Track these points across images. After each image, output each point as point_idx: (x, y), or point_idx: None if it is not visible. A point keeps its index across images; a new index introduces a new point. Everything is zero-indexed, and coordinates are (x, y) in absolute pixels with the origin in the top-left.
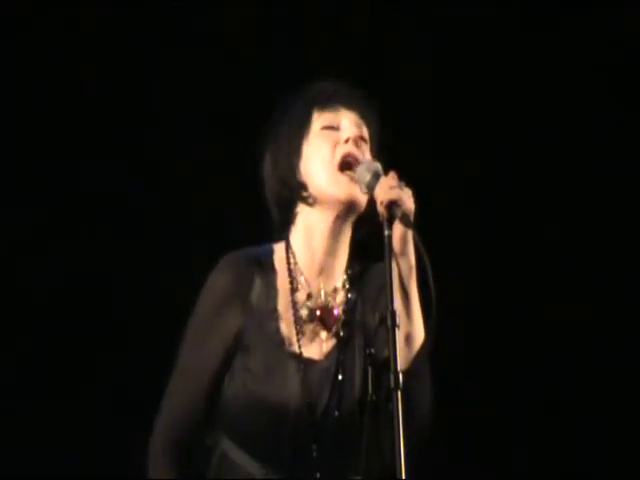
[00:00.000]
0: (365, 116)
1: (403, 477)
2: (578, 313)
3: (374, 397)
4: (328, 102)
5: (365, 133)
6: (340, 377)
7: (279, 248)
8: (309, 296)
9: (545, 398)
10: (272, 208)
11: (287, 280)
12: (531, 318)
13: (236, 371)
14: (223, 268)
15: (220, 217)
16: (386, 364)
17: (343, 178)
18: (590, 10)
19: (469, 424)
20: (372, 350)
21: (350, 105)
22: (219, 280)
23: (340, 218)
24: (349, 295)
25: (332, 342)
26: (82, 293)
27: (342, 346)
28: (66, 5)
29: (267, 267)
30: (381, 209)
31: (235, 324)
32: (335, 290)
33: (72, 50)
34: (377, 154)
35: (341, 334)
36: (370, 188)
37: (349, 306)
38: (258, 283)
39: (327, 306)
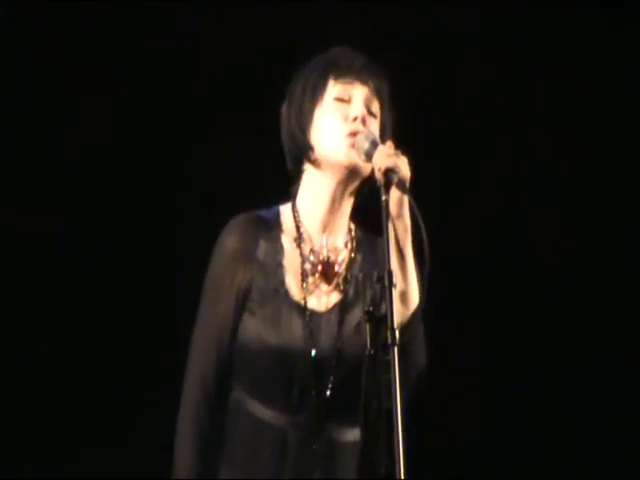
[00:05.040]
0: (378, 90)
1: (402, 478)
2: None
3: (372, 351)
4: (344, 72)
5: (375, 107)
6: (343, 327)
7: (285, 208)
8: (312, 251)
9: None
10: (286, 157)
11: (292, 236)
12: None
13: (245, 322)
14: (230, 230)
15: None
16: (383, 320)
17: (345, 146)
18: None
19: None
20: (370, 307)
21: (364, 78)
22: (227, 241)
23: (342, 182)
24: (354, 256)
25: (335, 296)
26: None
27: (344, 300)
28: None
29: (273, 225)
30: (378, 175)
31: (244, 279)
32: (336, 248)
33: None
34: (388, 125)
35: (342, 288)
36: (368, 156)
37: (352, 265)
38: (263, 241)
39: (328, 261)
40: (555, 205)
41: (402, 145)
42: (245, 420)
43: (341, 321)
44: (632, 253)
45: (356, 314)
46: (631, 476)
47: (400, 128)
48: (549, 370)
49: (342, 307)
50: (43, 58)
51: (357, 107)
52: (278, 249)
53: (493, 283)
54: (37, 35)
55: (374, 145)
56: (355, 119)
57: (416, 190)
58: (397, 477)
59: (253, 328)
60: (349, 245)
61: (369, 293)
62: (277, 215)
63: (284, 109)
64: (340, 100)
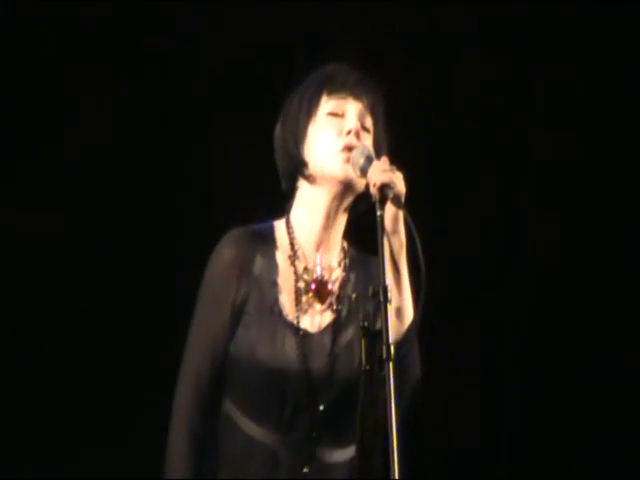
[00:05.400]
0: (372, 105)
1: (397, 477)
2: None
3: (368, 367)
4: (338, 88)
5: (369, 123)
6: (335, 349)
7: (279, 224)
8: (305, 269)
9: None
10: (280, 176)
11: (287, 253)
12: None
13: (239, 338)
14: (227, 243)
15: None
16: (379, 336)
17: (340, 161)
18: None
19: None
20: (366, 323)
21: (358, 94)
22: (224, 254)
23: (337, 197)
24: (347, 275)
25: (327, 316)
26: None
27: (337, 320)
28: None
29: (268, 241)
30: (374, 191)
31: (239, 293)
32: (330, 267)
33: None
34: (382, 141)
35: (335, 308)
36: (363, 171)
37: (346, 284)
38: (259, 256)
39: (322, 280)
40: (555, 205)
41: (399, 157)
42: (235, 436)
43: (333, 342)
44: (632, 253)
45: (348, 334)
46: (631, 476)
47: (400, 128)
48: (549, 370)
49: (335, 327)
50: (43, 58)
51: (351, 121)
52: (273, 266)
53: (493, 283)
54: (37, 35)
55: (369, 160)
56: (349, 132)
57: (416, 190)
58: (391, 478)
59: (246, 343)
60: (342, 264)
61: (362, 312)
62: (272, 230)
63: (278, 128)
64: (334, 115)
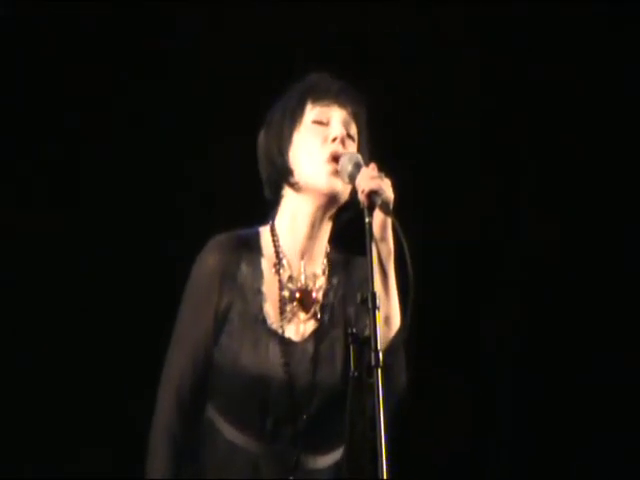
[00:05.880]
0: (355, 113)
1: (385, 477)
2: None
3: (356, 373)
4: (322, 96)
5: (353, 130)
6: (318, 357)
7: (264, 230)
8: (290, 278)
9: None
10: (264, 186)
11: (272, 262)
12: None
13: (223, 344)
14: (211, 249)
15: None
16: (367, 342)
17: (327, 173)
18: None
19: None
20: (354, 330)
21: (342, 102)
22: (208, 260)
23: (322, 208)
24: (330, 281)
25: (311, 324)
26: None
27: (320, 328)
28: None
29: (253, 248)
30: (362, 197)
31: (223, 300)
32: (315, 275)
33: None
34: (366, 149)
35: (319, 316)
36: (352, 178)
37: (329, 291)
38: (244, 264)
39: (306, 289)
40: (555, 205)
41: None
42: (217, 441)
43: (317, 350)
44: (632, 253)
45: (331, 342)
46: (631, 476)
47: (400, 129)
48: (549, 370)
49: (318, 335)
50: (43, 58)
51: (336, 128)
52: (258, 274)
53: (493, 283)
54: (37, 35)
55: (357, 167)
56: (334, 140)
57: (417, 189)
58: (379, 477)
59: (230, 351)
60: (326, 271)
61: (344, 318)
62: (257, 237)
63: (261, 136)
64: (318, 123)
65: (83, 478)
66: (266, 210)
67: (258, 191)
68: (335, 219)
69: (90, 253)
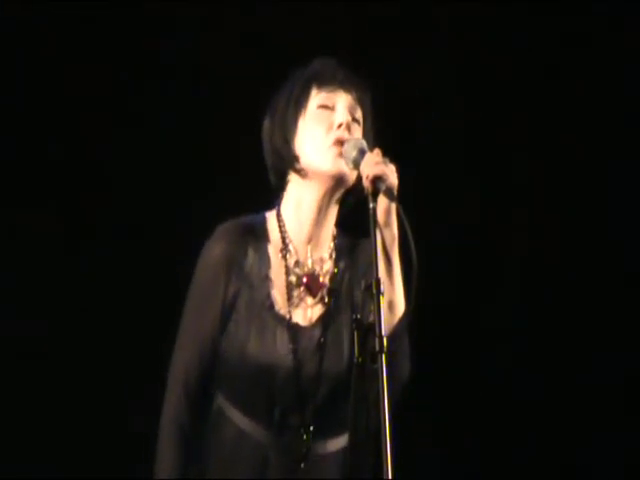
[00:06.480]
0: (360, 98)
1: (390, 477)
2: None
3: (360, 359)
4: (327, 81)
5: (359, 115)
6: (326, 343)
7: (271, 216)
8: (297, 263)
9: None
10: (269, 172)
11: (278, 247)
12: None
13: (230, 333)
14: (218, 237)
15: None
16: (371, 329)
17: (332, 155)
18: None
19: None
20: (358, 315)
21: (347, 87)
22: (215, 249)
23: (328, 192)
24: (336, 265)
25: (318, 309)
26: None
27: (328, 313)
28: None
29: (260, 235)
30: (366, 183)
31: (230, 289)
32: (321, 259)
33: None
34: (371, 134)
35: (326, 301)
36: (356, 164)
37: (336, 276)
38: (251, 251)
39: (313, 274)
40: (555, 205)
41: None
42: (226, 427)
43: (324, 336)
44: (632, 253)
45: (339, 327)
46: (631, 476)
47: (400, 128)
48: (549, 370)
49: (325, 320)
50: (43, 58)
51: (341, 114)
52: (264, 260)
53: (493, 283)
54: (37, 35)
55: (362, 153)
56: (340, 126)
57: (417, 189)
58: (384, 478)
59: (237, 339)
60: (333, 255)
61: (351, 302)
62: (263, 223)
63: (266, 123)
64: (324, 107)
65: (83, 478)
66: (271, 197)
67: (258, 191)
68: (342, 203)
69: (90, 253)
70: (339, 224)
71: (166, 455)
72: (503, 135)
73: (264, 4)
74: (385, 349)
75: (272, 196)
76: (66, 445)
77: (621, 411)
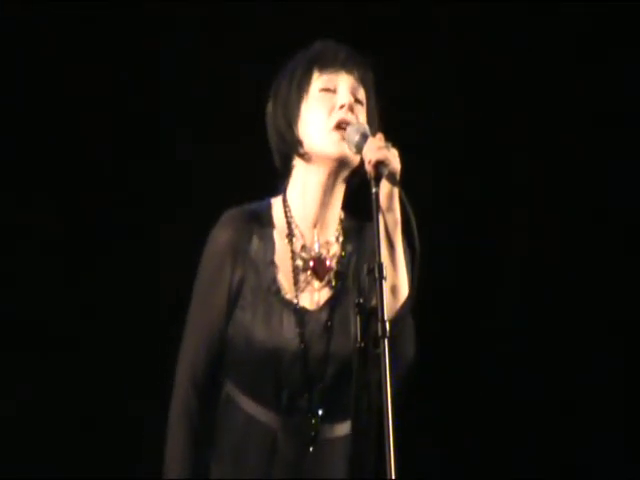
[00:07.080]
0: (363, 79)
1: (393, 477)
2: None
3: (362, 344)
4: (328, 63)
5: (361, 96)
6: (333, 326)
7: (276, 202)
8: (303, 247)
9: None
10: (274, 156)
11: (284, 232)
12: None
13: (237, 319)
14: (223, 225)
15: None
16: (374, 313)
17: (335, 138)
18: None
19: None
20: (361, 300)
21: (349, 67)
22: (220, 236)
23: (333, 174)
24: (343, 248)
25: (325, 292)
26: None
27: (335, 296)
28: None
29: (265, 221)
30: (369, 168)
31: (236, 276)
32: (328, 242)
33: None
34: (374, 113)
35: (333, 284)
36: (358, 148)
37: (343, 258)
38: (256, 237)
39: (320, 257)
40: (555, 205)
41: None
42: (235, 413)
43: (331, 319)
44: (632, 253)
45: (346, 309)
46: (631, 476)
47: (400, 127)
48: (549, 370)
49: (332, 303)
50: (43, 58)
51: (344, 95)
52: (270, 246)
53: (492, 282)
54: (37, 35)
55: (364, 137)
56: (342, 107)
57: (417, 189)
58: (388, 477)
59: (243, 325)
60: (340, 238)
61: (358, 285)
62: (269, 208)
63: (270, 107)
64: (326, 90)
65: (83, 478)
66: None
67: (257, 191)
68: (348, 183)
69: (90, 252)
70: (346, 206)
71: (175, 441)
72: (503, 135)
73: (264, 4)
74: (387, 333)
75: (278, 182)
76: (66, 445)
77: (621, 411)
